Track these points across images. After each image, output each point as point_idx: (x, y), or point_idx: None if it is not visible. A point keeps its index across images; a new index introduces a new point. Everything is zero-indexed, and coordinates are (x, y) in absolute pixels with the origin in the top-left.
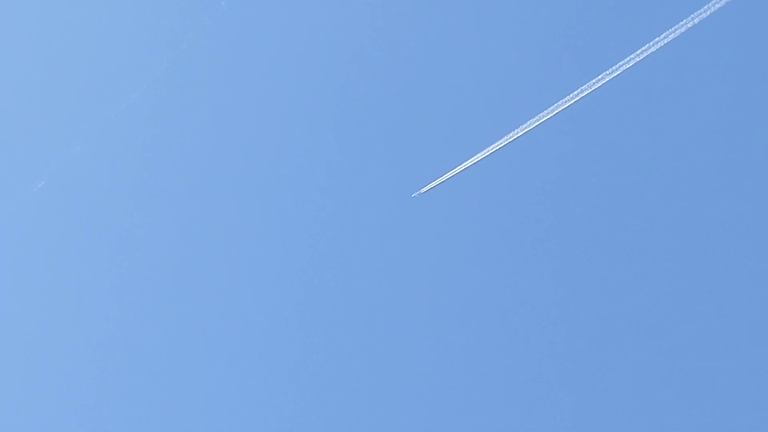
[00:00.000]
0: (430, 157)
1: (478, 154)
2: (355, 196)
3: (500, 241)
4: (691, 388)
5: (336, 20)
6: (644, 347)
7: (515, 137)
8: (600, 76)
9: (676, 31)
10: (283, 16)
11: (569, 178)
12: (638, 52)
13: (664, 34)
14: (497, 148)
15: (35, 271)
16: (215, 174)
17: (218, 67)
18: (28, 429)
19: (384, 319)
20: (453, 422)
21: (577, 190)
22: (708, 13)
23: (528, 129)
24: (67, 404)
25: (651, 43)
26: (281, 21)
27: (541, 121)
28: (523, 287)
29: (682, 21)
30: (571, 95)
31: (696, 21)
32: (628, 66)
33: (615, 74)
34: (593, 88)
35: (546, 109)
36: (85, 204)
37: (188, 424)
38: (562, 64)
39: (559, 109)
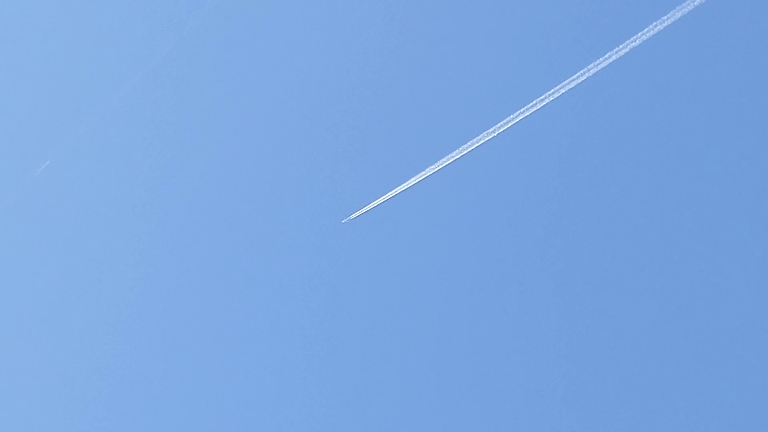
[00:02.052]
0: (360, 183)
1: (410, 180)
2: (285, 222)
3: (432, 265)
4: (691, 388)
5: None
6: (640, 345)
7: (444, 165)
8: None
9: (670, 19)
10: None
11: (492, 210)
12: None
13: (653, 24)
14: (430, 173)
15: (39, 252)
16: (212, 159)
17: (221, 49)
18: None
19: (313, 345)
20: None
21: (506, 219)
22: None
23: (452, 160)
24: (72, 387)
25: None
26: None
27: (465, 152)
28: (456, 313)
29: (678, 6)
30: (492, 128)
31: (696, 3)
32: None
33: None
34: (522, 117)
35: (471, 139)
36: (89, 184)
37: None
38: (490, 93)
39: (484, 140)
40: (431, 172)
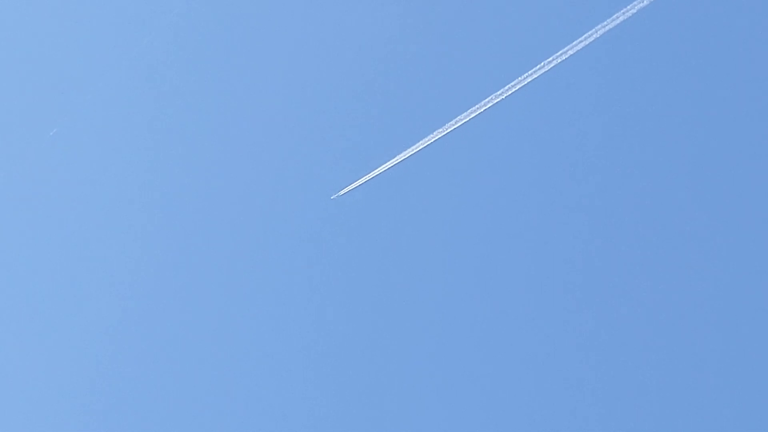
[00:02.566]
0: (350, 157)
1: (402, 153)
2: (271, 198)
3: (426, 242)
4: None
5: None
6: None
7: (435, 139)
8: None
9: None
10: None
11: (482, 184)
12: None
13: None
14: (422, 146)
15: (47, 220)
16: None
17: (230, 13)
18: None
19: (302, 325)
20: None
21: (489, 196)
22: None
23: (442, 134)
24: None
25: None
26: None
27: (457, 125)
28: (446, 290)
29: None
30: (485, 100)
31: None
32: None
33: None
34: (500, 98)
35: (462, 113)
36: (99, 151)
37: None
38: (480, 66)
39: (476, 113)
40: (424, 146)
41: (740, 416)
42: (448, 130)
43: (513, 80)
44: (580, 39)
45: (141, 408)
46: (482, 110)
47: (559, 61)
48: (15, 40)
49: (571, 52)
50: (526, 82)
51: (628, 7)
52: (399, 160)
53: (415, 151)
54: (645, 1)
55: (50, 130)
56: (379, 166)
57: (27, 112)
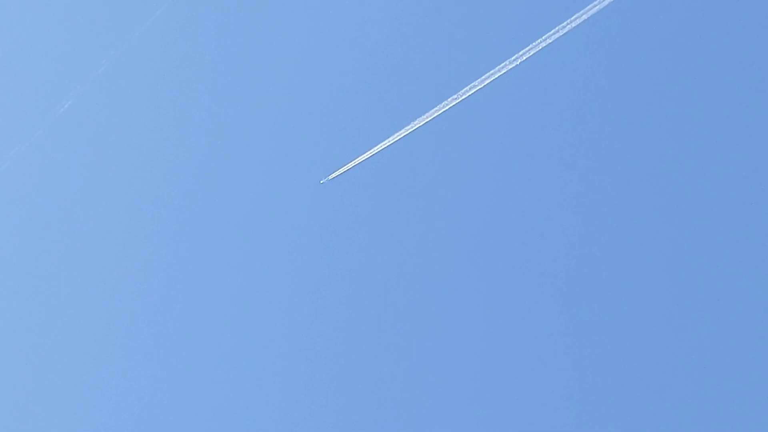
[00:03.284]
0: (340, 141)
1: (392, 137)
2: (259, 183)
3: (417, 227)
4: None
5: None
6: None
7: (424, 123)
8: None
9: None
10: None
11: (470, 169)
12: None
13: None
14: (413, 129)
15: (59, 196)
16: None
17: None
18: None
19: (290, 314)
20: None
21: (477, 183)
22: None
23: (431, 118)
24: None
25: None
26: None
27: (445, 109)
28: (436, 274)
29: None
30: (470, 85)
31: None
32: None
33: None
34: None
35: (450, 96)
36: (111, 124)
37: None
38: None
39: (465, 96)
40: (412, 129)
41: (740, 416)
42: (437, 113)
43: (503, 62)
44: (571, 18)
45: (131, 402)
46: (471, 94)
47: (545, 45)
48: (27, 12)
49: (560, 33)
50: (515, 65)
51: None
52: (388, 144)
53: (403, 135)
54: None
55: (63, 104)
56: (368, 150)
57: (39, 86)
